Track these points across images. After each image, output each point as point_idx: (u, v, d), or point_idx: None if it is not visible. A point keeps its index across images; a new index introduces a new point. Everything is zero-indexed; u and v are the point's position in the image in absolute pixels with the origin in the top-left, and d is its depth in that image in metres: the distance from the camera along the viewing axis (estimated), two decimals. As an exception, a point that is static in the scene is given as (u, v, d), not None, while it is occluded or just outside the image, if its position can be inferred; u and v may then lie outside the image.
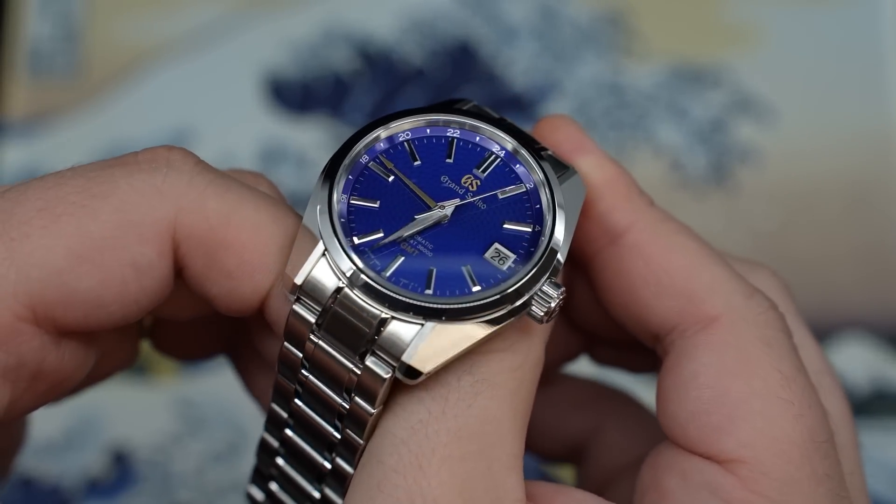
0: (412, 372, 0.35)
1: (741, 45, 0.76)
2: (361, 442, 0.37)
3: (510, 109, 0.75)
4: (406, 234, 0.36)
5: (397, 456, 0.34)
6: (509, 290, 0.35)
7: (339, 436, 0.38)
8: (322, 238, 0.36)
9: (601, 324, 0.43)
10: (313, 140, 0.74)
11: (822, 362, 0.40)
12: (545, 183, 0.38)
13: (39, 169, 0.73)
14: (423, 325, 0.35)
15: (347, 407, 0.37)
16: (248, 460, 0.65)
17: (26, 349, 0.35)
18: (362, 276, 0.35)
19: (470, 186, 0.38)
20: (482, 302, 0.35)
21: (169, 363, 0.68)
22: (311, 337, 0.37)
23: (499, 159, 0.39)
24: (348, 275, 0.35)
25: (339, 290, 0.36)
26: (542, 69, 0.75)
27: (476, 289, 0.36)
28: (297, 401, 0.39)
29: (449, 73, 0.76)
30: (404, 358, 0.35)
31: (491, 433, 0.35)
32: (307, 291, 0.36)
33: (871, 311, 0.70)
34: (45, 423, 0.66)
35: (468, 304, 0.35)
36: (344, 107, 0.75)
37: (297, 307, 0.36)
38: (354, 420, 0.37)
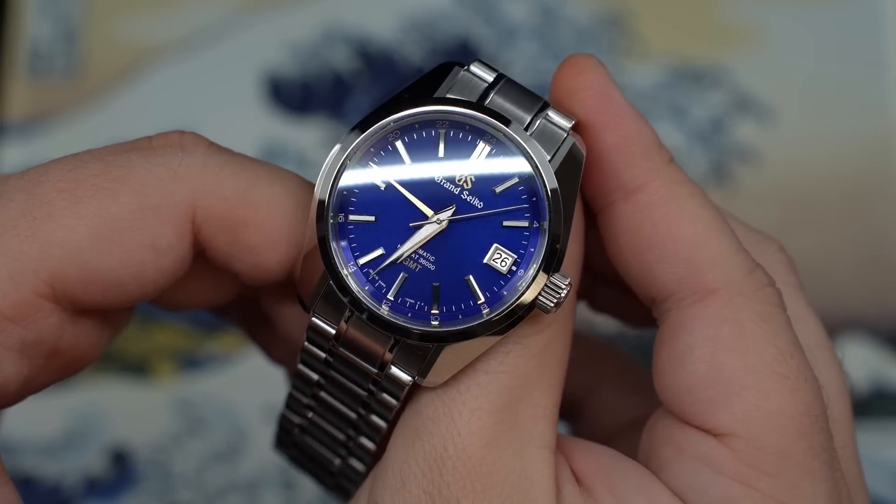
0: (429, 382, 0.37)
1: (741, 45, 0.76)
2: (385, 426, 0.39)
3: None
4: (406, 251, 0.36)
5: (433, 407, 0.37)
6: (514, 303, 0.36)
7: (363, 408, 0.39)
8: (325, 266, 0.36)
9: (607, 263, 0.42)
10: (313, 140, 0.74)
11: (820, 336, 0.40)
12: (536, 171, 0.36)
13: (39, 169, 0.73)
14: (432, 346, 0.36)
15: (370, 403, 0.39)
16: (249, 460, 0.65)
17: (44, 325, 0.36)
18: (365, 306, 0.36)
19: (465, 184, 0.37)
20: (488, 320, 0.36)
21: (169, 363, 0.68)
22: (333, 344, 0.37)
23: (490, 149, 0.37)
24: (352, 304, 0.36)
25: (350, 311, 0.36)
26: (542, 69, 0.75)
27: (482, 301, 0.36)
28: (320, 392, 0.40)
29: (449, 73, 0.76)
30: (419, 375, 0.36)
31: (519, 387, 0.37)
32: (321, 311, 0.37)
33: (870, 312, 0.70)
34: (45, 423, 0.66)
35: (474, 325, 0.36)
36: (344, 107, 0.75)
37: (315, 320, 0.37)
38: (378, 410, 0.38)
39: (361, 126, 0.37)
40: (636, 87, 0.75)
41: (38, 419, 0.64)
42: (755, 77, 0.75)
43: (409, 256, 0.36)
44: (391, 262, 0.36)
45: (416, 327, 0.36)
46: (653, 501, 0.36)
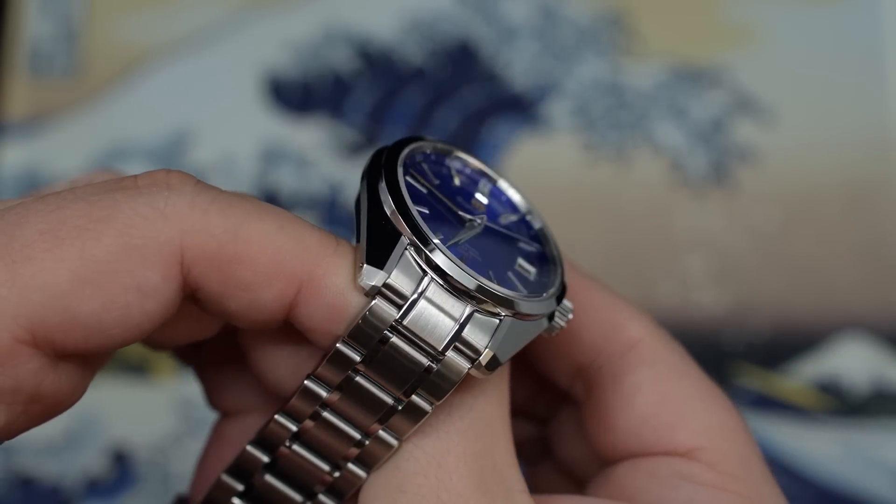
0: (494, 362, 0.36)
1: (741, 45, 0.76)
2: (397, 445, 0.37)
3: (510, 110, 0.75)
4: (460, 239, 0.38)
5: (414, 460, 0.37)
6: (558, 286, 0.39)
7: (356, 450, 0.38)
8: (407, 232, 0.36)
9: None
10: (313, 140, 0.74)
11: None
12: (529, 212, 0.41)
13: (39, 169, 0.73)
14: (501, 319, 0.37)
15: (396, 410, 0.37)
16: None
17: (23, 371, 0.35)
18: (452, 268, 0.36)
19: (479, 209, 0.40)
20: (549, 299, 0.38)
21: (169, 363, 0.68)
22: (387, 333, 0.36)
23: (490, 187, 0.41)
24: (434, 269, 0.36)
25: (425, 284, 0.36)
26: (542, 69, 0.75)
27: (526, 292, 0.38)
28: (319, 418, 0.38)
29: (449, 73, 0.76)
30: (490, 349, 0.36)
31: (490, 433, 0.38)
32: (392, 286, 0.36)
33: (871, 311, 0.70)
34: (45, 423, 0.66)
35: (540, 300, 0.38)
36: (344, 107, 0.75)
37: (378, 302, 0.36)
38: (399, 425, 0.37)
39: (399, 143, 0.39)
40: (636, 87, 0.75)
41: (38, 419, 0.64)
42: (755, 77, 0.75)
43: (461, 245, 0.38)
44: (451, 244, 0.37)
45: (494, 290, 0.36)
46: None
